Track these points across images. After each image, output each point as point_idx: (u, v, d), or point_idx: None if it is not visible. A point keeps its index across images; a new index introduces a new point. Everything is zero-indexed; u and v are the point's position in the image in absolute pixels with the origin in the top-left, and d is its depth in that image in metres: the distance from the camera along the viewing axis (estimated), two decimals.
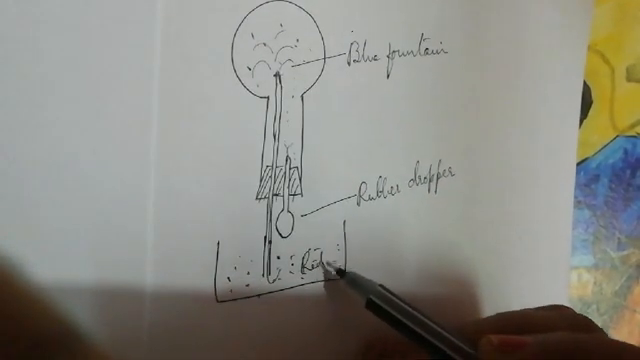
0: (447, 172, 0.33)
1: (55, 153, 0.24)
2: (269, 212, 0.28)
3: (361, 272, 0.31)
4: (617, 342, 0.27)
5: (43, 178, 0.24)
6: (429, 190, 0.33)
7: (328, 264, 0.30)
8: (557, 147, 0.37)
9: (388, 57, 0.31)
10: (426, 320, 0.27)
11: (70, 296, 0.24)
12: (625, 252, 0.41)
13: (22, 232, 0.24)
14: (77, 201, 0.24)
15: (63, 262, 0.24)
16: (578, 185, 0.39)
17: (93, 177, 0.25)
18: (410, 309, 0.28)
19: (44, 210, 0.24)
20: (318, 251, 0.30)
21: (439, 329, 0.27)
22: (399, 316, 0.28)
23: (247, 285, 0.28)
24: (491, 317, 0.30)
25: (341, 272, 0.29)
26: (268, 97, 0.28)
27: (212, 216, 0.27)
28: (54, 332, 0.23)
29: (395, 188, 0.32)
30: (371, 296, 0.28)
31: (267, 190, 0.28)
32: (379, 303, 0.28)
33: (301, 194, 0.29)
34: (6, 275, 0.23)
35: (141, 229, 0.26)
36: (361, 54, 0.30)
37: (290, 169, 0.29)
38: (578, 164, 0.38)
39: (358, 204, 0.31)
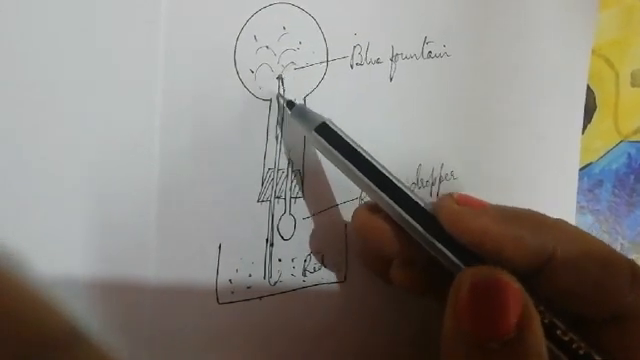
0: (449, 176, 0.33)
1: (58, 152, 0.24)
2: (271, 215, 0.28)
3: (362, 276, 0.31)
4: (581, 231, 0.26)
5: (46, 177, 0.24)
6: (431, 194, 0.32)
7: (280, 96, 0.28)
8: (560, 152, 0.37)
9: (391, 60, 0.31)
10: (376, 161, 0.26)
11: (71, 296, 0.24)
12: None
13: (24, 232, 0.24)
14: (80, 202, 0.25)
15: (65, 262, 0.25)
16: (581, 190, 0.39)
17: (96, 178, 0.25)
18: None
19: (46, 209, 0.24)
20: (319, 254, 0.30)
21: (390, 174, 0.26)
22: (351, 142, 0.26)
23: (248, 287, 0.28)
24: None
25: (290, 104, 0.28)
26: (270, 100, 0.28)
27: (214, 218, 0.27)
28: (56, 332, 0.23)
29: None
30: (325, 121, 0.27)
31: (269, 193, 0.28)
32: (332, 127, 0.27)
33: (303, 197, 0.29)
34: (8, 275, 0.23)
35: (143, 231, 0.26)
36: (364, 57, 0.30)
37: (292, 172, 0.29)
38: (581, 169, 0.38)
39: None
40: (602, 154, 0.40)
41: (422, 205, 0.26)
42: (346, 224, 0.30)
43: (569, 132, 0.37)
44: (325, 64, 0.29)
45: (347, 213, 0.30)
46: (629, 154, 0.40)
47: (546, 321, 0.23)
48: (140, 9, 0.25)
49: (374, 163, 0.26)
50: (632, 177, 0.41)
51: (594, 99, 0.39)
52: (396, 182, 0.26)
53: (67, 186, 0.24)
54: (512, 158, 0.35)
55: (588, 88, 0.37)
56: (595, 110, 0.39)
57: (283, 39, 0.28)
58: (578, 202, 0.38)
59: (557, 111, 0.36)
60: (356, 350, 0.31)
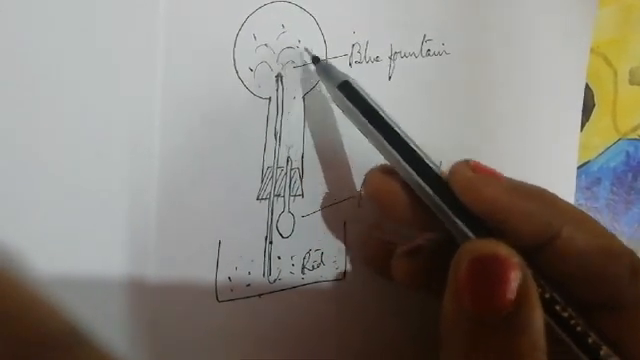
0: None
1: (58, 152, 0.24)
2: (270, 212, 0.29)
3: (362, 274, 0.31)
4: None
5: (45, 177, 0.24)
6: None
7: (306, 50, 0.28)
8: (558, 150, 0.37)
9: (390, 58, 0.31)
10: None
11: (70, 295, 0.24)
12: None
13: (24, 232, 0.24)
14: (80, 201, 0.25)
15: (64, 262, 0.25)
16: (580, 188, 0.39)
17: (95, 176, 0.25)
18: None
19: (45, 209, 0.24)
20: (318, 252, 0.30)
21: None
22: (372, 102, 0.27)
23: (248, 285, 0.28)
24: None
25: (316, 59, 0.28)
26: (270, 98, 0.28)
27: (213, 216, 0.27)
28: (56, 332, 0.23)
29: None
30: (348, 79, 0.27)
31: (268, 191, 0.28)
32: (354, 86, 0.27)
33: (302, 195, 0.29)
34: (8, 275, 0.23)
35: (143, 228, 0.26)
36: (363, 55, 0.30)
37: (291, 170, 0.29)
38: (580, 167, 0.38)
39: (359, 205, 0.31)
40: (600, 152, 0.40)
41: (436, 170, 0.26)
42: (345, 221, 0.30)
43: (567, 130, 0.37)
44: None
45: (346, 211, 0.30)
46: (627, 152, 0.40)
47: (546, 295, 0.23)
48: (140, 9, 0.25)
49: (392, 124, 0.26)
50: (630, 175, 0.41)
51: (592, 97, 0.39)
52: (412, 145, 0.26)
53: (67, 186, 0.24)
54: (511, 156, 0.35)
55: (586, 86, 0.37)
56: (593, 108, 0.39)
57: (282, 37, 0.28)
58: (576, 200, 0.38)
59: (555, 109, 0.36)
60: (355, 347, 0.31)
